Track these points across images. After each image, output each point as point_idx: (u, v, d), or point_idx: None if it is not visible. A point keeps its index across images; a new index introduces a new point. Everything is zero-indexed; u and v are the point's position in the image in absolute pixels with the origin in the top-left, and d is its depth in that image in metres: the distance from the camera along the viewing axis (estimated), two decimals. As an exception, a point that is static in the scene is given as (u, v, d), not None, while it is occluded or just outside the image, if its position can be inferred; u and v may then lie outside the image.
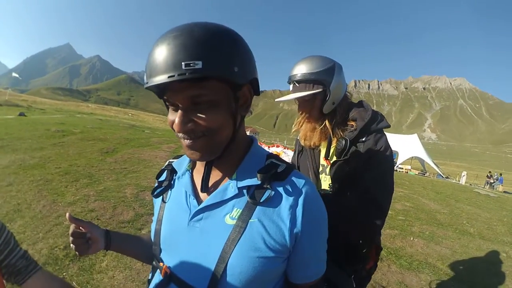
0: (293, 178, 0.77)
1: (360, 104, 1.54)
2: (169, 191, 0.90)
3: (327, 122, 1.49)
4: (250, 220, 0.72)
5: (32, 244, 3.16)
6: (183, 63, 0.59)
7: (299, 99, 1.49)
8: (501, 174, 28.94)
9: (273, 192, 0.73)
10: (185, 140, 0.71)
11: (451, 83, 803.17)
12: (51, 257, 2.99)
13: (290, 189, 0.75)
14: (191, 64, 0.59)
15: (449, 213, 7.81)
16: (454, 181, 24.19)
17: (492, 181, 26.96)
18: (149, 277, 0.91)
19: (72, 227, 0.86)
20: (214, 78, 0.64)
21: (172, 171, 0.93)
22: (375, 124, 1.41)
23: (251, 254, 0.70)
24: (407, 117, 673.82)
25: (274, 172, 0.76)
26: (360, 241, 1.38)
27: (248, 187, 0.75)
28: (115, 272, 2.94)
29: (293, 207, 0.72)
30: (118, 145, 9.61)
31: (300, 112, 1.56)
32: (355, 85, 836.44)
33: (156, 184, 0.94)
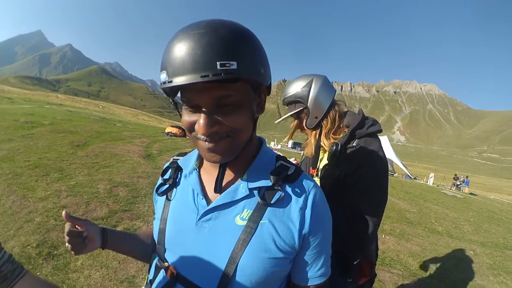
0: (302, 181, 0.78)
1: (358, 112, 1.60)
2: (174, 189, 0.88)
3: (313, 134, 1.58)
4: (261, 221, 0.72)
5: (3, 242, 2.99)
6: (218, 62, 0.56)
7: (293, 117, 1.61)
8: (467, 177, 30.24)
9: (283, 194, 0.73)
10: (206, 142, 0.68)
11: (421, 89, 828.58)
12: (24, 255, 2.88)
13: (300, 191, 0.76)
14: (226, 64, 0.56)
15: (418, 212, 8.11)
16: (422, 182, 25.04)
17: (458, 183, 28.15)
18: (150, 277, 0.89)
19: (67, 225, 0.83)
20: (243, 79, 0.63)
21: (177, 169, 0.90)
22: (365, 128, 1.43)
23: (262, 255, 0.70)
24: (377, 119, 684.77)
25: (286, 175, 0.77)
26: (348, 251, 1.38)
27: (259, 188, 0.75)
28: (91, 271, 2.86)
29: (303, 209, 0.74)
30: (89, 138, 9.28)
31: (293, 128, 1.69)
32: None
33: (160, 181, 0.91)
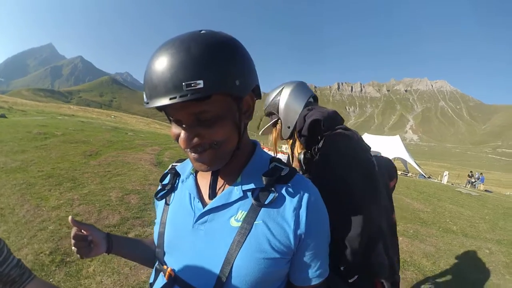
0: (297, 181, 0.79)
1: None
2: (172, 194, 0.91)
3: (289, 144, 1.54)
4: (255, 222, 0.73)
5: (17, 250, 3.10)
6: (184, 83, 0.58)
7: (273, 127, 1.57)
8: (482, 174, 29.67)
9: (277, 194, 0.74)
10: (192, 153, 0.71)
11: (432, 86, 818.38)
12: (37, 263, 2.93)
13: (294, 192, 0.76)
14: (192, 84, 0.58)
15: (432, 211, 7.98)
16: (436, 180, 24.65)
17: (473, 180, 27.62)
18: (151, 280, 0.91)
19: (73, 230, 0.87)
20: (217, 94, 0.63)
21: (176, 175, 0.93)
22: (324, 125, 1.26)
23: (257, 256, 0.71)
24: (389, 119, 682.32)
25: (279, 176, 0.77)
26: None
27: (253, 190, 0.76)
28: (103, 277, 2.89)
29: (297, 209, 0.74)
30: (102, 148, 9.38)
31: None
32: (338, 88, 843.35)
33: (160, 187, 0.94)
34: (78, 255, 0.88)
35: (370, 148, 1.29)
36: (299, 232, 0.73)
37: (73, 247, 0.87)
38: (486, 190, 21.66)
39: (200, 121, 0.66)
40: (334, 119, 1.30)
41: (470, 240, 5.90)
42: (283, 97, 1.45)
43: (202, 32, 0.65)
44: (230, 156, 0.75)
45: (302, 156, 1.34)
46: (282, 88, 1.47)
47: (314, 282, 0.79)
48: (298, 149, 1.44)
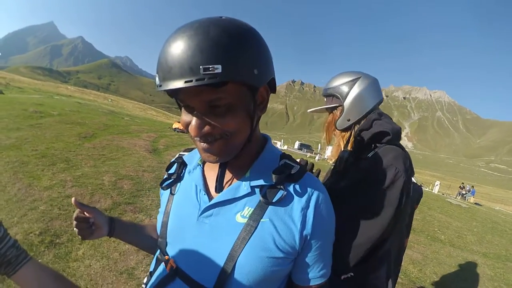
0: (306, 180, 0.77)
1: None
2: (178, 184, 0.89)
3: (341, 137, 1.43)
4: (261, 220, 0.71)
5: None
6: (201, 67, 0.55)
7: (327, 111, 1.47)
8: (473, 187, 29.94)
9: (285, 193, 0.72)
10: (201, 143, 0.69)
11: (431, 95, 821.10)
12: (26, 242, 2.91)
13: (303, 191, 0.75)
14: (210, 69, 0.55)
15: (422, 219, 8.02)
16: (427, 189, 24.81)
17: (464, 192, 27.86)
18: (151, 269, 0.90)
19: (76, 211, 0.88)
20: (233, 82, 0.61)
21: (182, 164, 0.92)
22: (382, 137, 1.25)
23: (261, 254, 0.70)
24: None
25: (289, 173, 0.75)
26: None
27: (261, 187, 0.75)
28: (91, 261, 2.89)
29: (305, 209, 0.73)
30: (97, 131, 9.32)
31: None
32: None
33: (166, 176, 0.93)
34: (79, 237, 0.89)
35: (414, 173, 1.26)
36: (305, 232, 0.72)
37: (75, 228, 0.88)
38: (475, 203, 21.87)
39: (213, 110, 0.64)
40: (398, 136, 1.27)
41: (457, 251, 5.97)
42: (356, 88, 1.33)
43: (223, 18, 0.62)
44: (240, 149, 0.72)
45: (345, 155, 1.27)
46: (359, 78, 1.34)
47: (317, 282, 0.78)
48: (349, 146, 1.36)
